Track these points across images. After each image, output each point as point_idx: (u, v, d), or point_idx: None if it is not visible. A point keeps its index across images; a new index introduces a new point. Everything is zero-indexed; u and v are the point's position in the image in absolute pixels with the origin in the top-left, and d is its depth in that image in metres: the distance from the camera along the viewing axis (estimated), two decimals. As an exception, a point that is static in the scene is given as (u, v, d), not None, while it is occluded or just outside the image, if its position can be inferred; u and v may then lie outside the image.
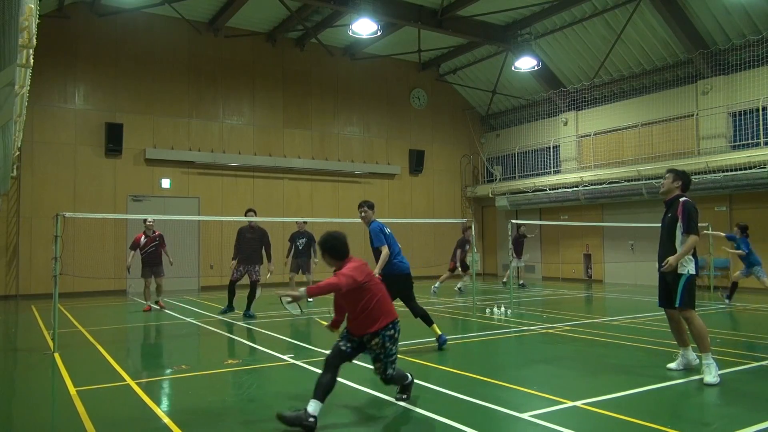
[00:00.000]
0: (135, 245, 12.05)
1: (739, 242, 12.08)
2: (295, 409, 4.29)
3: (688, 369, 5.92)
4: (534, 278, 20.32)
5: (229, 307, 10.93)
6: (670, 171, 6.05)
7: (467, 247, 14.73)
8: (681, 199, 5.81)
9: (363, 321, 4.56)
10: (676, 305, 5.68)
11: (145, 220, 12.15)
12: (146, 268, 12.04)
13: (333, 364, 4.45)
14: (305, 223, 13.17)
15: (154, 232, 12.13)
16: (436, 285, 14.10)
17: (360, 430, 4.39)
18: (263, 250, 10.97)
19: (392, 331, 4.62)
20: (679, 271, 5.70)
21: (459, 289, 15.07)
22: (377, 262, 7.29)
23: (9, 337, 9.33)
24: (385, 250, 7.28)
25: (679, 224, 5.71)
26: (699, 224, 5.76)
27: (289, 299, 4.23)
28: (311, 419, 4.15)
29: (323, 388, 4.31)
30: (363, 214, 7.61)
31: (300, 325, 10.09)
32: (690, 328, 5.71)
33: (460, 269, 14.92)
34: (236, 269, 10.75)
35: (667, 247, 5.81)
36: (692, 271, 5.67)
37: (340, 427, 4.46)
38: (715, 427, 4.30)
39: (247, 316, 10.63)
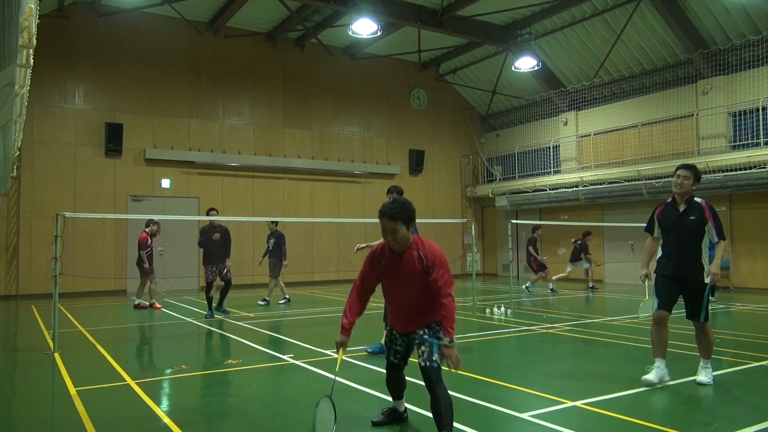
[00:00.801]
0: (144, 245, 12.18)
1: None
2: (381, 412, 4.36)
3: (664, 383, 5.44)
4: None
5: (211, 312, 10.89)
6: (687, 169, 5.53)
7: (537, 245, 15.70)
8: (701, 201, 5.49)
9: (423, 316, 3.87)
10: (701, 320, 5.42)
11: (151, 223, 12.24)
12: (151, 266, 12.32)
13: (394, 378, 4.20)
14: (276, 223, 12.99)
15: (154, 234, 12.37)
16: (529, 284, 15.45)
17: (359, 431, 4.39)
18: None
19: None
20: (705, 281, 5.40)
21: (552, 289, 15.28)
22: None
23: (9, 337, 9.33)
24: None
25: (710, 229, 5.38)
26: None
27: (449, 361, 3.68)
28: (404, 414, 4.33)
29: (397, 390, 4.22)
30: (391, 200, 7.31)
31: (300, 325, 10.09)
32: (703, 339, 5.52)
33: (537, 269, 15.57)
34: (210, 270, 10.85)
35: (693, 251, 5.41)
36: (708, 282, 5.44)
37: (341, 427, 4.45)
38: (715, 427, 4.30)
39: (221, 311, 10.96)
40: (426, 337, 3.83)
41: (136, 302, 12.43)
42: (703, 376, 5.41)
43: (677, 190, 5.52)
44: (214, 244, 10.85)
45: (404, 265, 3.82)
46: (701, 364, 5.51)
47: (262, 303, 12.75)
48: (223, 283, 11.18)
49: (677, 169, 5.60)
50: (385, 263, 3.89)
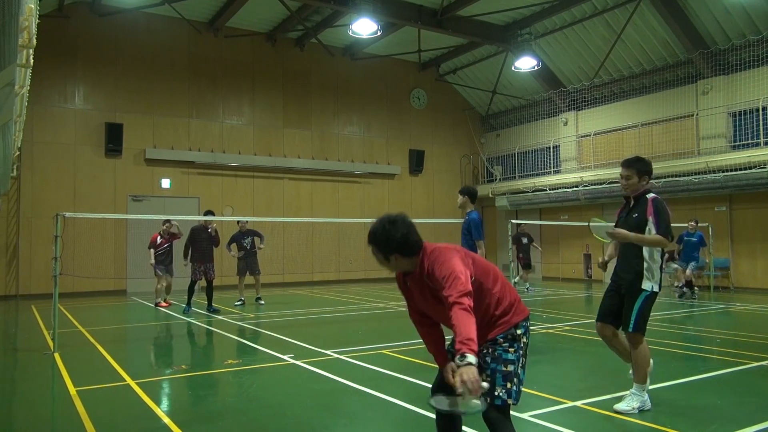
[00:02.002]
0: (152, 245, 12.35)
1: (699, 237, 13.27)
2: None
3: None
4: (534, 278, 20.32)
5: (189, 306, 11.43)
6: (627, 167, 4.94)
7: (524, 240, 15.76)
8: (649, 196, 4.86)
9: (482, 329, 2.82)
10: (629, 329, 4.70)
11: (164, 222, 12.42)
12: (159, 265, 12.45)
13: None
14: (247, 222, 12.86)
15: (169, 234, 12.52)
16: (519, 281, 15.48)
17: (360, 430, 4.39)
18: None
19: (522, 330, 2.98)
20: (642, 286, 4.72)
21: (527, 288, 15.53)
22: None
23: (9, 337, 9.34)
24: (482, 247, 7.19)
25: (650, 227, 4.73)
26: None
27: (473, 399, 2.51)
28: None
29: None
30: (462, 199, 7.29)
31: (300, 325, 10.09)
32: (633, 353, 4.74)
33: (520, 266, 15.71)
34: (196, 269, 11.33)
35: (631, 252, 4.82)
36: (656, 288, 4.73)
37: (341, 427, 4.45)
38: (715, 427, 4.30)
39: (211, 311, 11.22)
40: (488, 359, 2.89)
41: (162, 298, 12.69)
42: (624, 403, 4.64)
43: (623, 191, 5.05)
44: (201, 244, 11.34)
45: (420, 287, 2.94)
46: (632, 389, 4.69)
47: (261, 303, 12.82)
48: (206, 283, 11.55)
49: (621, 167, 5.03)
50: (410, 283, 3.00)
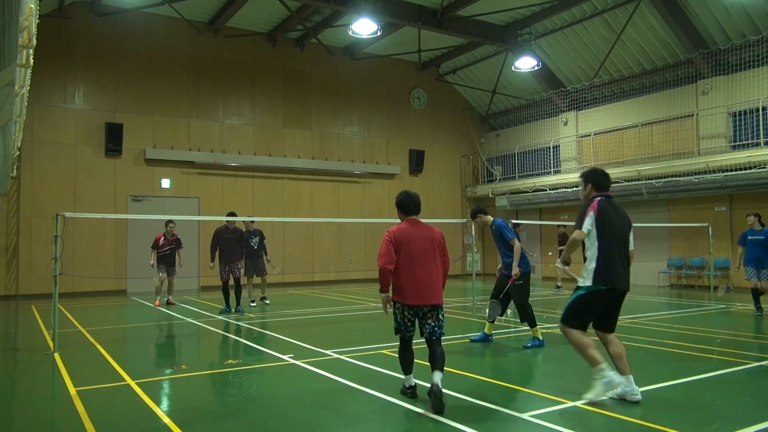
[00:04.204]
0: (155, 245, 12.46)
1: (766, 234, 10.44)
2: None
3: (622, 398, 4.91)
4: (534, 278, 20.31)
5: (228, 308, 11.50)
6: (580, 176, 5.33)
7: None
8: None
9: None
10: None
11: (167, 223, 12.49)
12: (160, 265, 12.55)
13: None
14: (253, 222, 12.63)
15: (173, 235, 12.56)
16: None
17: (360, 430, 4.39)
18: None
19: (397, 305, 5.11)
20: (578, 284, 5.07)
21: None
22: (504, 257, 7.69)
23: (9, 337, 9.33)
24: (517, 244, 7.56)
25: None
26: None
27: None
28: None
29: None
30: (478, 220, 7.92)
31: (300, 325, 10.09)
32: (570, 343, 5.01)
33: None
34: (223, 269, 11.48)
35: None
36: (588, 284, 4.89)
37: (341, 427, 4.45)
38: (715, 427, 4.30)
39: (238, 311, 11.34)
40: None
41: (166, 299, 12.92)
42: (590, 393, 4.82)
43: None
44: (226, 244, 11.48)
45: None
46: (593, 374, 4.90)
47: (266, 302, 12.84)
48: (233, 281, 11.66)
49: None
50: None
